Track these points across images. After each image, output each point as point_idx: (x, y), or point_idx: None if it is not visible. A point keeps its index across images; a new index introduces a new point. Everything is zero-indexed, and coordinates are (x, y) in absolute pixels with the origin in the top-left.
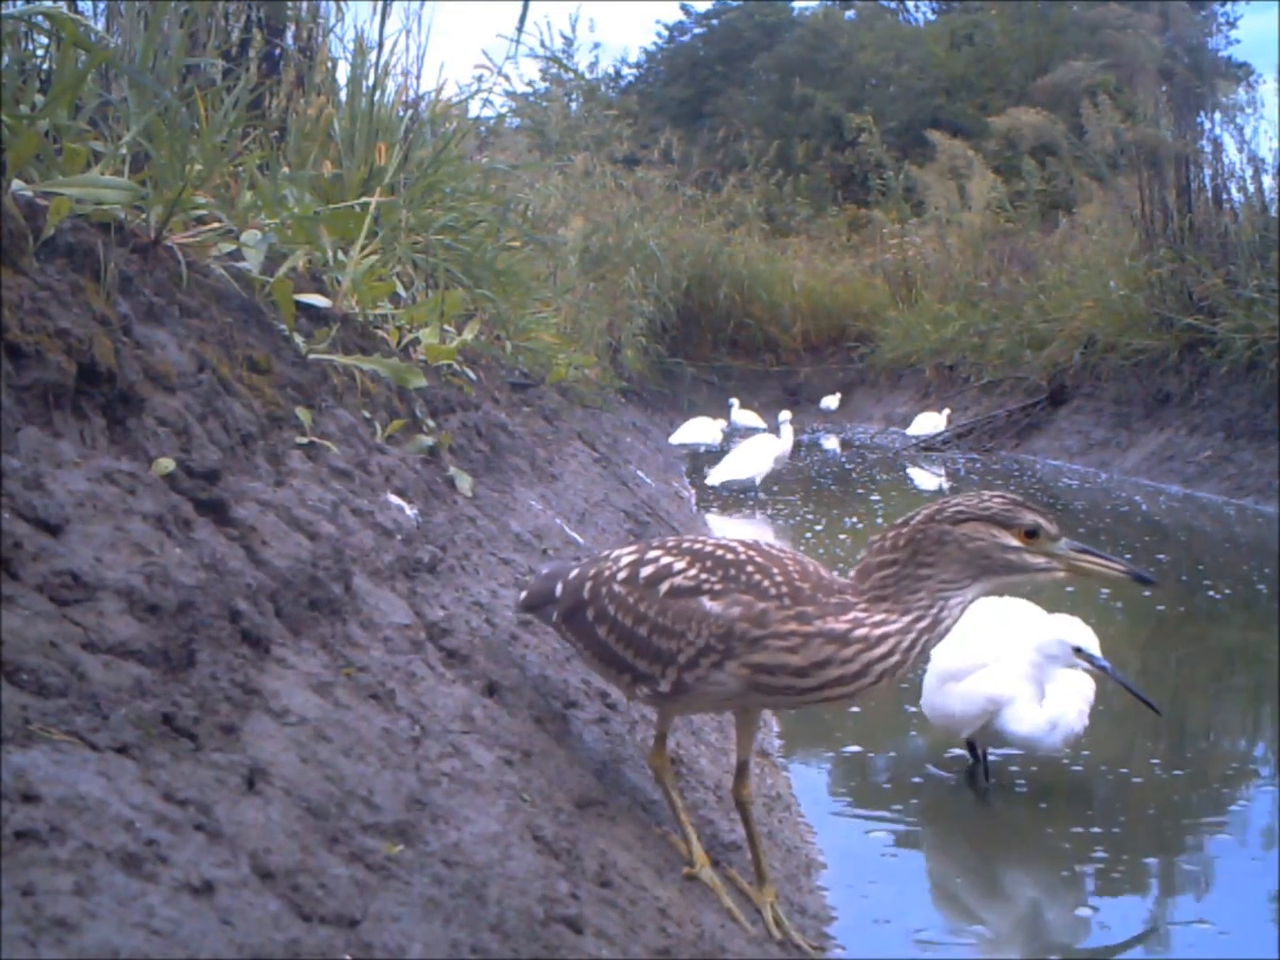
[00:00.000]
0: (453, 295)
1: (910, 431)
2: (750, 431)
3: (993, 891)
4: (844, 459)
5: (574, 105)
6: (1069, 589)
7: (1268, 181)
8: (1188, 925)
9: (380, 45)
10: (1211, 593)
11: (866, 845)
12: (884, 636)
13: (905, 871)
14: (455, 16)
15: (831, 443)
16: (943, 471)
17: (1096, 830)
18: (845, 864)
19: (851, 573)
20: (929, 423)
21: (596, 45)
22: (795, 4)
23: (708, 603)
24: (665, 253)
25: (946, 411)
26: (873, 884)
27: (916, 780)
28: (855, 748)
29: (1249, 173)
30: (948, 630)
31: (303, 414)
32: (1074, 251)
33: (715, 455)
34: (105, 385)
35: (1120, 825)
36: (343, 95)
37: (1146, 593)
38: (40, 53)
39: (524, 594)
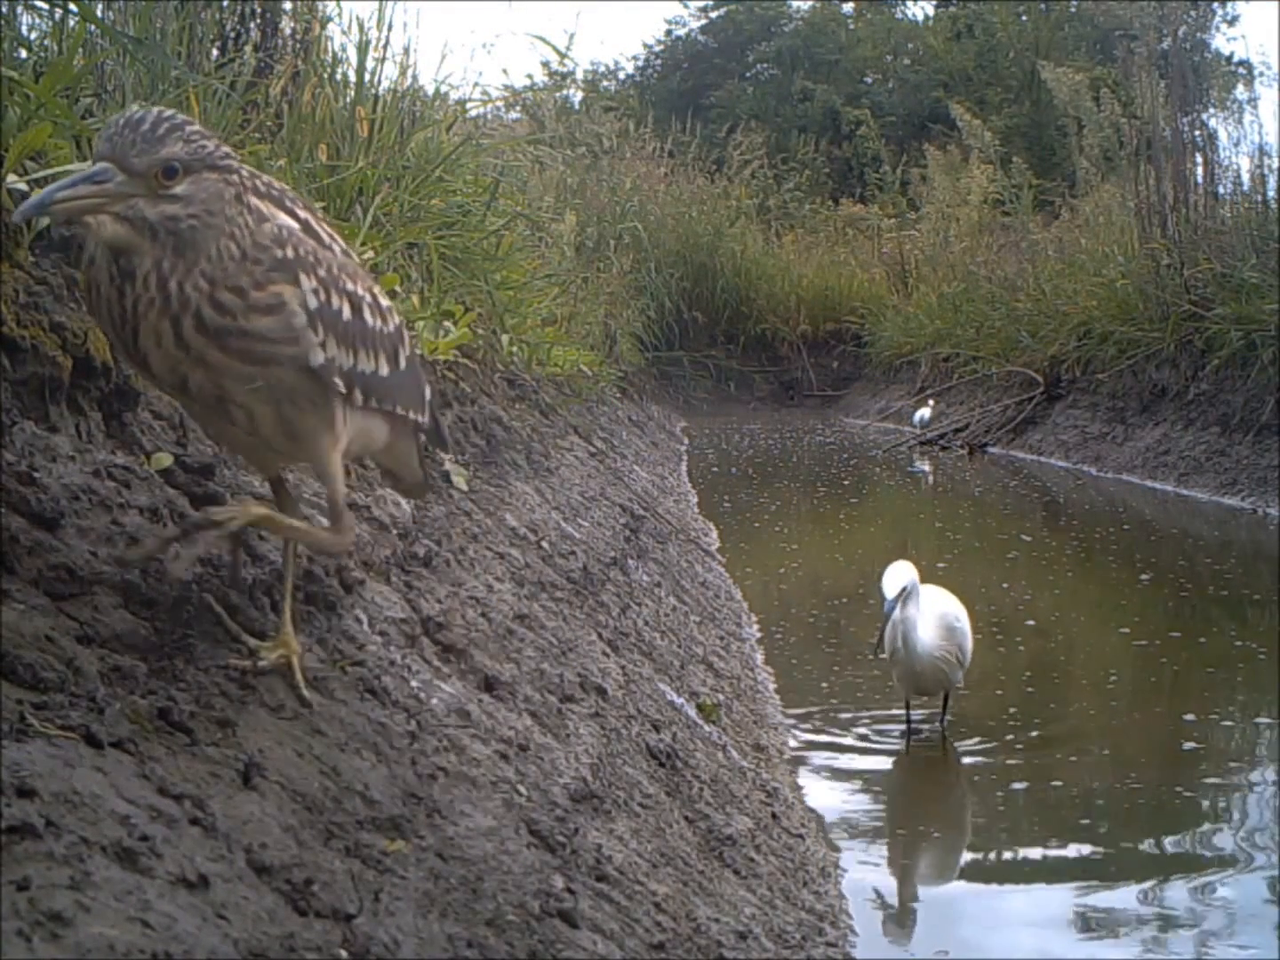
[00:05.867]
0: (447, 286)
1: (918, 416)
2: None
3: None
4: (934, 480)
5: (575, 100)
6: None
7: (1271, 180)
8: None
9: (379, 29)
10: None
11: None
12: None
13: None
14: (453, 14)
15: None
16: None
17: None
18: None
19: None
20: (928, 413)
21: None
22: (793, 1)
23: None
24: (662, 245)
25: (931, 403)
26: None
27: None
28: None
29: (1246, 165)
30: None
31: None
32: (1070, 241)
33: None
34: (101, 380)
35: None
36: (341, 84)
37: None
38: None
39: None
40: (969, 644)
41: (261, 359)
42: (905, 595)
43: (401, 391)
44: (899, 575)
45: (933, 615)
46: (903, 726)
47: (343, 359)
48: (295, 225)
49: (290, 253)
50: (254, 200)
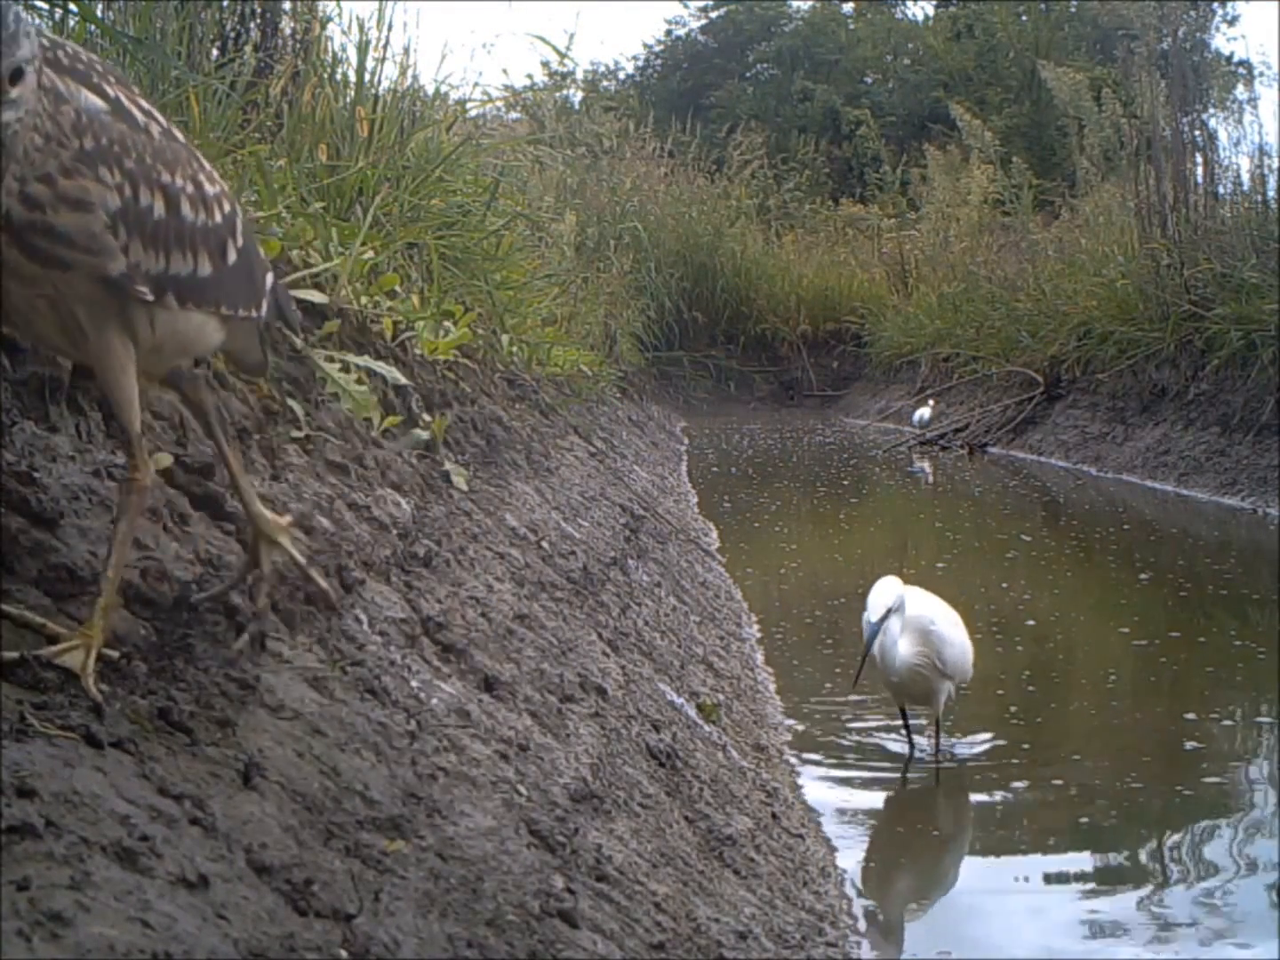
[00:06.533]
0: (447, 286)
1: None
2: None
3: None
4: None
5: (575, 100)
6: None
7: (1271, 180)
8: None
9: (379, 29)
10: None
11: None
12: None
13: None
14: (453, 14)
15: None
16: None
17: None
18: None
19: None
20: (928, 413)
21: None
22: (793, 1)
23: None
24: (662, 245)
25: (931, 403)
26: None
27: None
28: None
29: (1246, 165)
30: None
31: (298, 408)
32: (1070, 241)
33: None
34: None
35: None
36: (341, 84)
37: None
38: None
39: None
40: (952, 651)
41: (58, 263)
42: (890, 613)
43: (229, 289)
44: (884, 596)
45: (909, 622)
46: (902, 726)
47: (151, 263)
48: (102, 106)
49: (91, 142)
50: (52, 76)
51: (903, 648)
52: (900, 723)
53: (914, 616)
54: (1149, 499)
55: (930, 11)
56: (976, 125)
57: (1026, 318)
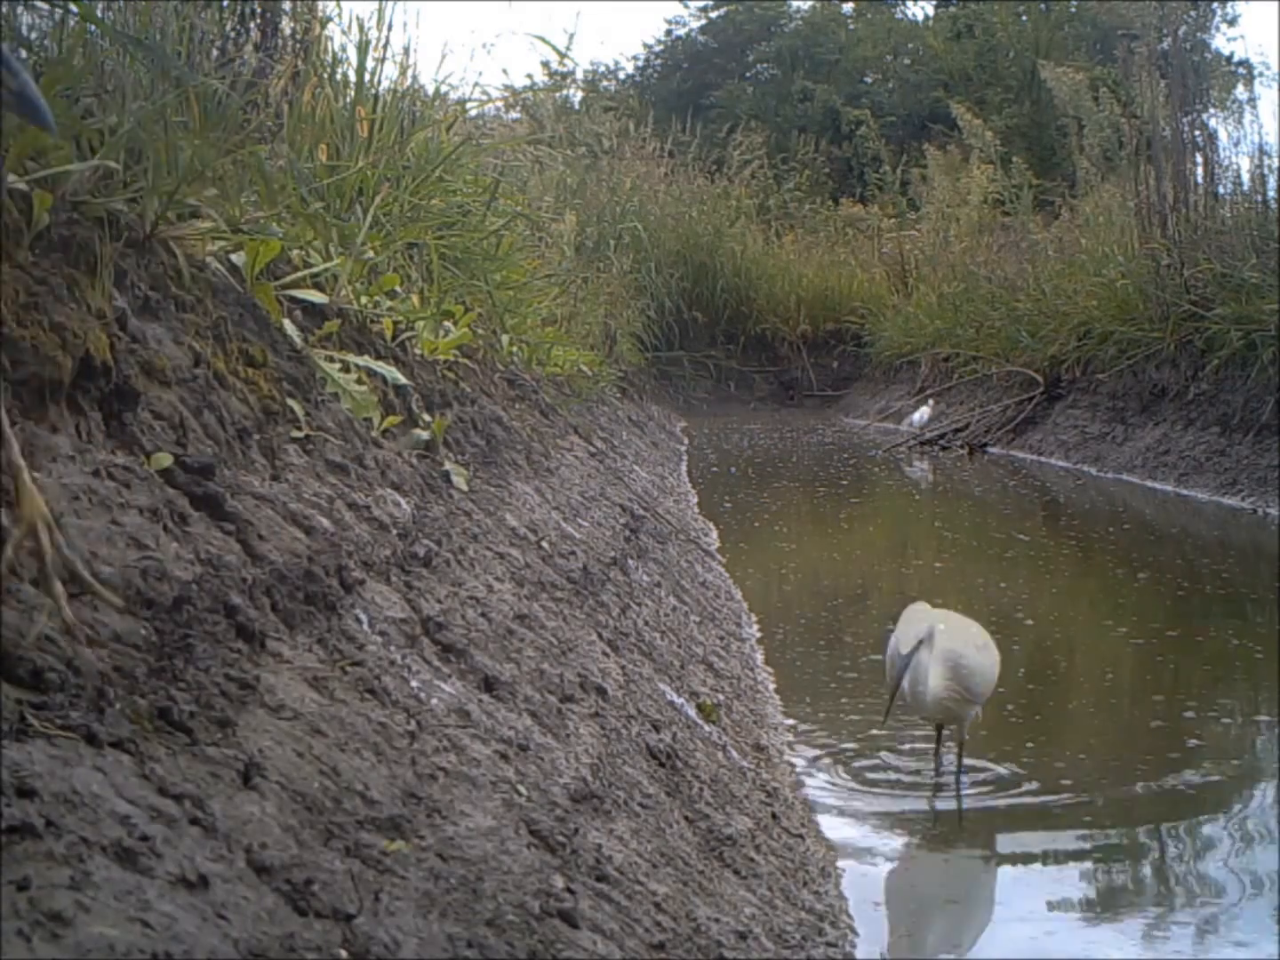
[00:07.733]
0: (447, 286)
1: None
2: None
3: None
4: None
5: (574, 100)
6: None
7: (1271, 180)
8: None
9: (379, 29)
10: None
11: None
12: None
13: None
14: (453, 14)
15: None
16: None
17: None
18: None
19: None
20: (928, 412)
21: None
22: (793, 1)
23: None
24: (662, 245)
25: (931, 403)
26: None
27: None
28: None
29: (1246, 165)
30: None
31: (298, 408)
32: (1070, 241)
33: None
34: (101, 380)
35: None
36: (340, 84)
37: None
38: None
39: None
40: (979, 686)
41: None
42: (920, 645)
43: None
44: (915, 626)
45: (939, 653)
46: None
47: None
48: None
49: None
50: None
51: (932, 681)
52: (909, 731)
53: (944, 651)
54: (1149, 499)
55: (930, 11)
56: (977, 125)
57: (1026, 318)
